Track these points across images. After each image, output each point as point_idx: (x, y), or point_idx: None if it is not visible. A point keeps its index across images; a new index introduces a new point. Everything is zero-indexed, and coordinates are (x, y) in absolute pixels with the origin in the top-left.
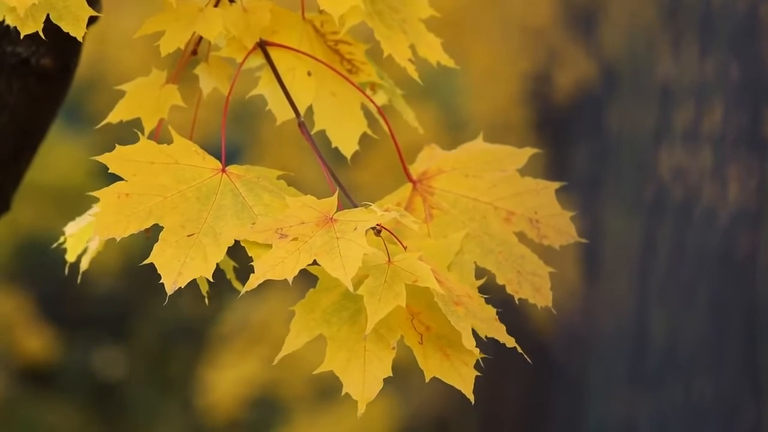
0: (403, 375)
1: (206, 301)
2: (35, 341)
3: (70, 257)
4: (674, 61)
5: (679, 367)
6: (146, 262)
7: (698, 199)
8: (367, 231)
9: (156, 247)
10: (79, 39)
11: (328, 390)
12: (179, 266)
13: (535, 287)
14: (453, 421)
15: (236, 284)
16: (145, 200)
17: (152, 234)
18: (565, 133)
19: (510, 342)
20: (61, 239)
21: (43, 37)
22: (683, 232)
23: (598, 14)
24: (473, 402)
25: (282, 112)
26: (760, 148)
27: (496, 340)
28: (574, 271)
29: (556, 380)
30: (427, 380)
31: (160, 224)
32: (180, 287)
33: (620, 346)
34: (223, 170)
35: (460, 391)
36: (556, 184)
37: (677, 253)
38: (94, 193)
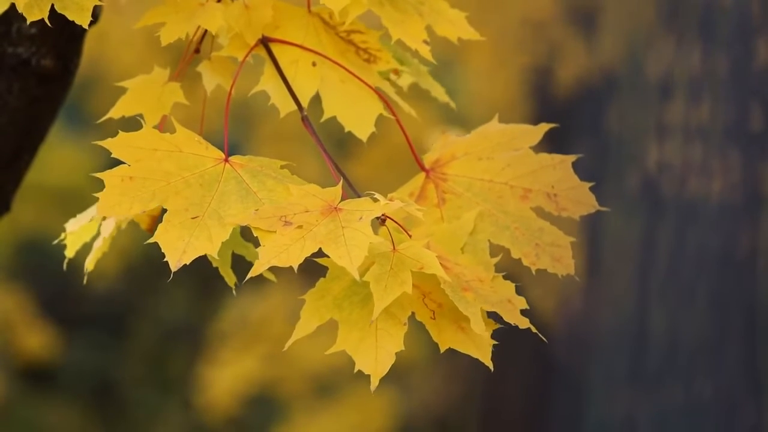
0: (404, 373)
1: (233, 291)
2: (35, 341)
3: (69, 253)
4: (674, 59)
5: (679, 367)
6: (150, 241)
7: (698, 198)
8: (373, 221)
9: (160, 227)
10: (85, 27)
11: (327, 387)
12: (183, 245)
13: (554, 257)
14: (453, 419)
15: (267, 275)
16: (149, 184)
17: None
18: (565, 132)
19: (523, 323)
20: (62, 236)
21: (48, 24)
22: (683, 232)
23: (598, 13)
24: (492, 369)
25: (285, 106)
26: (758, 146)
27: (496, 342)
28: (576, 270)
29: (557, 379)
30: (441, 351)
31: (164, 207)
32: (185, 264)
33: (620, 345)
34: (226, 160)
35: (460, 390)
36: (573, 157)
37: (677, 252)
38: (98, 174)
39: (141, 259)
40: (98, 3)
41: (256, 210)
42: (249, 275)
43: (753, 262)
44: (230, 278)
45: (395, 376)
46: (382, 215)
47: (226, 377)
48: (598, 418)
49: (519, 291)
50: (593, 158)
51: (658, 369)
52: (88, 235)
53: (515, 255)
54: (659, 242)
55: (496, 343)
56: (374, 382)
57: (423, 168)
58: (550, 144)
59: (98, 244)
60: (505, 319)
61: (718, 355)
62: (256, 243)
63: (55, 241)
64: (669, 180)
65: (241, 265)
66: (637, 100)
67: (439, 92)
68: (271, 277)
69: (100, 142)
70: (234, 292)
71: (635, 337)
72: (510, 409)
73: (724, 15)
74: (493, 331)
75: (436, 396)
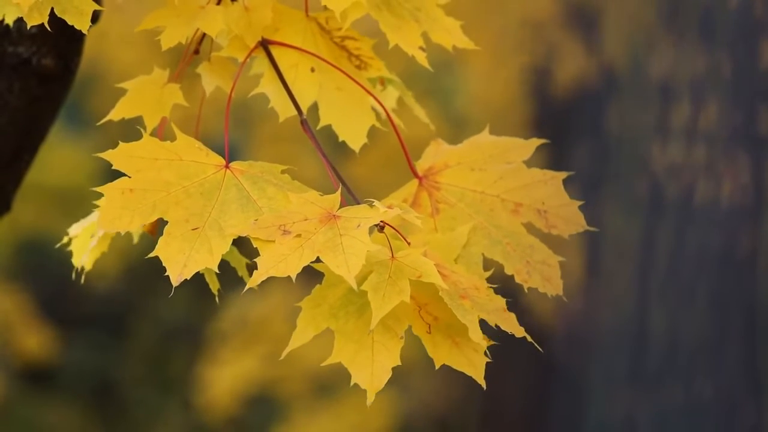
0: (403, 373)
1: (216, 299)
2: (35, 341)
3: (77, 261)
4: (674, 59)
5: (679, 367)
6: (151, 255)
7: (698, 198)
8: (371, 228)
9: (161, 240)
10: (84, 32)
11: (327, 387)
12: (184, 259)
13: (544, 276)
14: (453, 419)
15: (248, 281)
16: (149, 195)
17: (157, 234)
18: (564, 133)
19: (520, 332)
20: (65, 240)
21: (48, 29)
22: (683, 232)
23: (598, 13)
24: (485, 387)
25: (285, 110)
26: (760, 146)
27: (496, 342)
28: (576, 269)
29: (556, 379)
30: (437, 367)
31: (164, 218)
32: (186, 279)
33: (620, 345)
34: (227, 166)
35: (460, 390)
36: (563, 174)
37: (677, 252)
38: (98, 189)
39: (141, 259)
40: (97, 8)
41: (256, 220)
42: (248, 285)
43: (753, 262)
44: (214, 284)
45: (395, 376)
46: (381, 222)
47: (226, 377)
48: (598, 418)
49: (518, 293)
50: (593, 159)
51: (658, 369)
52: (99, 247)
53: (508, 271)
54: (659, 242)
55: (490, 360)
56: (370, 397)
57: (416, 175)
58: (551, 146)
59: (94, 243)
60: (502, 327)
61: (718, 355)
62: (255, 253)
63: (58, 245)
64: (669, 180)
65: (230, 270)
66: (638, 101)
67: (420, 113)
68: (252, 285)
69: (100, 154)
70: (216, 299)
71: (635, 337)
72: (510, 409)
73: (726, 16)
74: (496, 327)
75: (436, 396)
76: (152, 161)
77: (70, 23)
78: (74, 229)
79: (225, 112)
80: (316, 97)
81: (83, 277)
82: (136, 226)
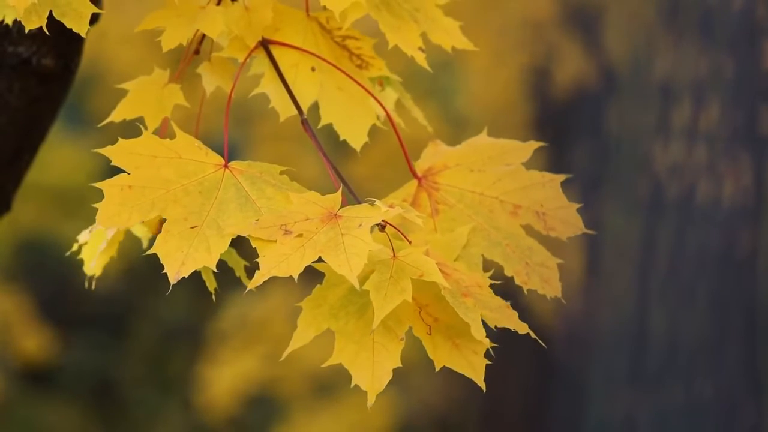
0: (403, 373)
1: (213, 297)
2: (34, 341)
3: (88, 268)
4: (674, 59)
5: (679, 367)
6: (149, 252)
7: (699, 198)
8: (372, 227)
9: (159, 238)
10: (83, 35)
11: (327, 387)
12: (182, 257)
13: (543, 278)
14: (453, 419)
15: (246, 282)
16: (148, 192)
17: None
18: (564, 133)
19: (523, 329)
20: (75, 247)
21: (46, 32)
22: (683, 232)
23: (599, 13)
24: (484, 390)
25: (285, 109)
26: (761, 147)
27: (497, 344)
28: (576, 269)
29: (556, 379)
30: (437, 369)
31: (163, 216)
32: (184, 276)
33: (620, 345)
34: (226, 166)
35: (460, 390)
36: (562, 177)
37: (677, 252)
38: (97, 185)
39: (141, 260)
40: (96, 10)
41: (257, 220)
42: (250, 286)
43: (753, 262)
44: (211, 283)
45: (395, 375)
46: (382, 221)
47: (226, 377)
48: (598, 418)
49: (518, 292)
50: (593, 159)
51: (658, 369)
52: (107, 251)
53: (508, 273)
54: (659, 242)
55: (490, 363)
56: (371, 399)
57: (416, 176)
58: (551, 146)
59: (103, 247)
60: (505, 325)
61: (718, 355)
62: (253, 254)
63: (68, 253)
64: (670, 180)
65: (230, 270)
66: (638, 101)
67: (419, 115)
68: (254, 286)
69: (100, 150)
70: (213, 297)
71: (635, 337)
72: (510, 409)
73: (727, 16)
74: (495, 329)
75: (437, 396)
76: (151, 158)
77: (68, 26)
78: (83, 236)
79: (225, 111)
80: (316, 96)
81: (93, 283)
82: (134, 223)
